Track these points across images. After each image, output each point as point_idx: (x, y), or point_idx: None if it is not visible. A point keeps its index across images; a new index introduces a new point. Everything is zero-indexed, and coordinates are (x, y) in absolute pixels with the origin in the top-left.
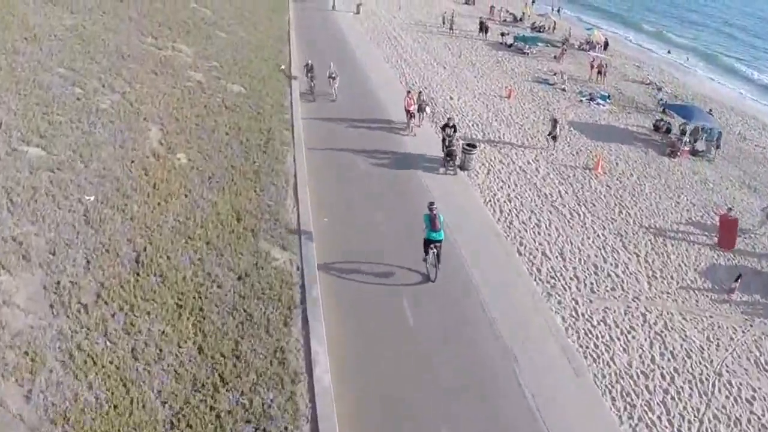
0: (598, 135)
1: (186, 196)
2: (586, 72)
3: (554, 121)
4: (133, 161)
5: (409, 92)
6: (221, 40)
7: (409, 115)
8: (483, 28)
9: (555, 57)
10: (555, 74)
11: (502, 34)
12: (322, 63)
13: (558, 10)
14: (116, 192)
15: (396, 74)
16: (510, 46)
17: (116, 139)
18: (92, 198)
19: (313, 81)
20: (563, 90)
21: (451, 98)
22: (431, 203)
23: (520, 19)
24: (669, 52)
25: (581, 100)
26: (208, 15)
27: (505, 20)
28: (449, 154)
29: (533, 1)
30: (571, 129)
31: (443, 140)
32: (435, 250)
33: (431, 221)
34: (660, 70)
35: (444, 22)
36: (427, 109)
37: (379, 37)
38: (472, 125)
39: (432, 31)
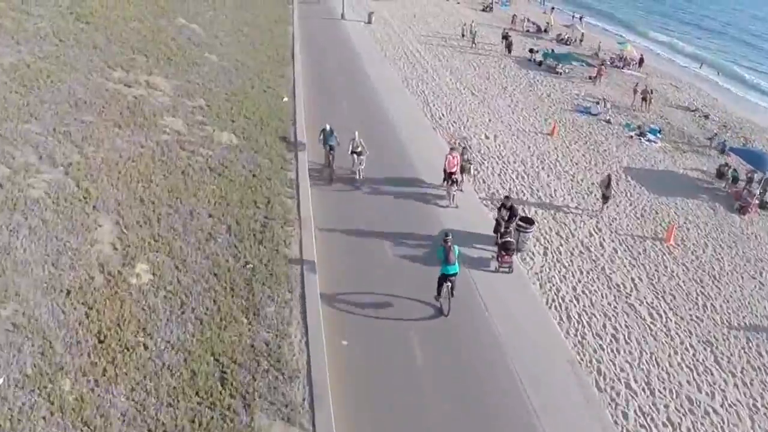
0: (659, 186)
1: (146, 347)
2: (627, 96)
3: (608, 180)
4: (69, 292)
5: (452, 150)
6: (211, 67)
7: (450, 180)
8: (507, 42)
9: (590, 78)
10: (597, 102)
11: (531, 51)
12: (332, 94)
13: (581, 19)
14: (41, 359)
15: (418, 103)
16: (540, 63)
17: (47, 253)
18: (1, 380)
19: (333, 154)
20: (608, 122)
21: (487, 137)
22: (446, 234)
23: (545, 30)
24: (701, 66)
25: (631, 136)
26: (198, 33)
27: (528, 30)
28: (505, 248)
29: (552, 8)
30: (629, 179)
31: (497, 223)
32: (450, 284)
33: (446, 255)
34: (697, 90)
35: (464, 35)
36: (471, 169)
37: (396, 52)
38: (516, 177)
39: (452, 44)
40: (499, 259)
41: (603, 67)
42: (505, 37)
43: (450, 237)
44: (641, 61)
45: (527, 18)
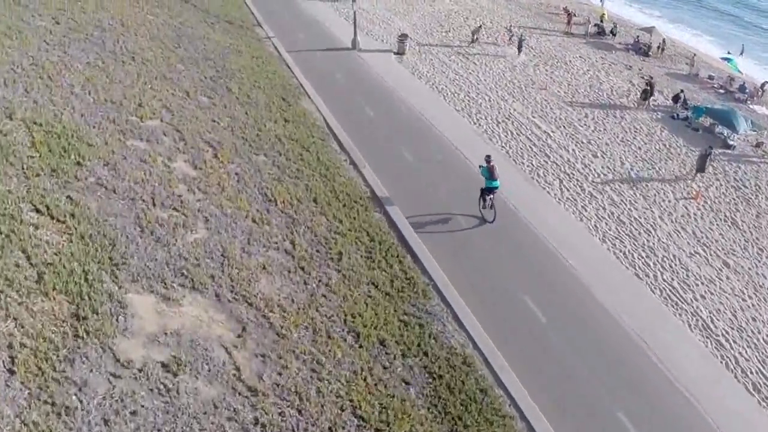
0: None
1: None
2: None
3: None
4: None
5: None
6: None
7: None
8: (649, 89)
9: (758, 146)
10: None
11: (676, 99)
12: None
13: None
14: None
15: None
16: (687, 121)
17: None
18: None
19: None
20: None
21: None
22: (488, 156)
23: (612, 32)
24: None
25: None
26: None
27: (587, 33)
28: None
29: None
30: None
31: None
32: (492, 196)
33: (490, 172)
34: None
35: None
36: None
37: (519, 147)
38: None
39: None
40: None
41: None
42: (650, 84)
43: (492, 157)
44: (764, 86)
45: (583, 15)
